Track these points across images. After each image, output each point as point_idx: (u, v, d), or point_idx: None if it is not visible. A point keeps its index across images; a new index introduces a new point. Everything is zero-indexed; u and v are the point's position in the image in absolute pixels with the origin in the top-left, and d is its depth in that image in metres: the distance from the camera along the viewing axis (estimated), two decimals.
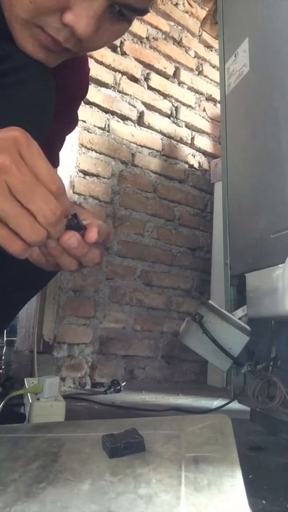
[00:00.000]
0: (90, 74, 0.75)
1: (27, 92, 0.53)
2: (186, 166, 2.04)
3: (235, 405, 0.93)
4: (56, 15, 0.47)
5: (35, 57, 0.51)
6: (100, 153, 1.74)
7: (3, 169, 0.37)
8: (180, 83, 2.07)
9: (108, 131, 1.78)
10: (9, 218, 0.38)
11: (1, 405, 0.78)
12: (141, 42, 1.92)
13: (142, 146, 1.88)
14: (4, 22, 0.49)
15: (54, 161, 0.73)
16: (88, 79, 0.74)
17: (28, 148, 0.39)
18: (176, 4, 2.08)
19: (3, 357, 1.51)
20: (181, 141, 2.04)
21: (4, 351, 1.51)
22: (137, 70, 1.89)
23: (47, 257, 0.49)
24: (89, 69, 0.73)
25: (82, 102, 0.76)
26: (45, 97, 0.56)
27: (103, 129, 1.76)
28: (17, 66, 0.51)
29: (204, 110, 2.16)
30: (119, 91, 1.83)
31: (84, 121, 1.70)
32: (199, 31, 2.14)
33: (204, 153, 2.13)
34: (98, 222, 0.47)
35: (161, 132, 1.96)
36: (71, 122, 0.74)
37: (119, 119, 1.82)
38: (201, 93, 2.15)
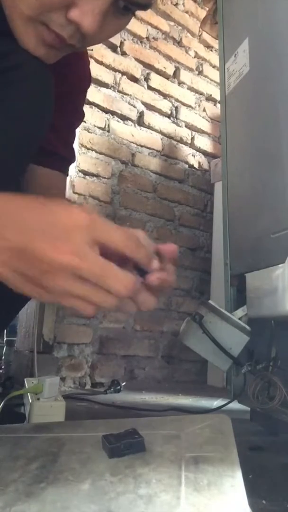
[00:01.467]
0: (90, 81, 0.75)
1: (25, 90, 0.53)
2: (186, 166, 2.04)
3: (235, 405, 0.93)
4: (61, 12, 0.46)
5: (36, 54, 0.51)
6: (100, 153, 1.74)
7: (70, 267, 0.36)
8: (180, 83, 2.07)
9: (108, 131, 1.78)
10: (80, 296, 0.38)
11: (1, 405, 0.78)
12: (141, 42, 1.92)
13: (142, 146, 1.88)
14: (2, 19, 0.49)
15: (70, 157, 0.73)
16: (89, 69, 0.74)
17: (96, 231, 0.37)
18: (176, 4, 2.08)
19: (3, 357, 1.51)
20: (181, 141, 2.04)
21: (4, 351, 1.51)
22: (137, 70, 1.89)
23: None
24: (88, 61, 0.74)
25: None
26: (44, 95, 0.56)
27: (103, 129, 1.76)
28: (15, 63, 0.51)
29: (204, 110, 2.16)
30: (119, 91, 1.83)
31: (84, 121, 1.70)
32: (199, 31, 2.14)
33: (204, 153, 2.13)
34: (167, 267, 0.45)
35: (161, 132, 1.96)
36: (78, 113, 0.74)
37: (119, 119, 1.82)
38: (201, 93, 2.15)
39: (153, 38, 1.97)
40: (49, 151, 0.67)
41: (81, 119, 0.76)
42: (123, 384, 1.47)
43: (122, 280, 0.37)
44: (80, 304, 0.38)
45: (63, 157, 0.71)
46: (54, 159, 0.69)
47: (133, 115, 1.87)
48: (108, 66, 1.79)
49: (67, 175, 0.74)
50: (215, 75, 2.15)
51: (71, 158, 0.74)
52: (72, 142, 0.74)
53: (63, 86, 0.62)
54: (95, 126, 1.73)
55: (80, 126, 1.68)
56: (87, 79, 0.73)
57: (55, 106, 0.60)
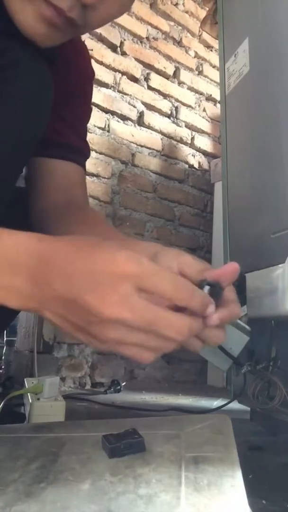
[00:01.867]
0: (94, 72, 0.75)
1: (23, 87, 0.53)
2: (186, 166, 2.04)
3: (235, 405, 0.93)
4: None
5: (35, 33, 0.49)
6: (100, 153, 1.74)
7: (118, 319, 0.34)
8: (180, 83, 2.07)
9: (108, 131, 1.78)
10: (135, 345, 0.36)
11: (1, 405, 0.78)
12: (141, 42, 1.92)
13: (142, 146, 1.88)
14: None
15: (84, 149, 0.71)
16: (91, 64, 0.73)
17: (143, 280, 0.35)
18: (176, 4, 2.08)
19: (3, 357, 1.51)
20: (181, 141, 2.04)
21: (4, 351, 1.51)
22: (137, 70, 1.89)
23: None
24: (89, 56, 0.73)
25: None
26: (42, 92, 0.55)
27: (103, 129, 1.76)
28: (13, 61, 0.51)
29: (204, 110, 2.16)
30: (119, 91, 1.83)
31: None
32: (199, 31, 2.14)
33: (204, 153, 2.13)
34: (228, 296, 0.42)
35: (161, 132, 1.96)
36: (86, 106, 0.73)
37: (119, 119, 1.82)
38: (201, 93, 2.15)
39: (153, 38, 1.97)
40: (61, 143, 0.65)
41: (89, 114, 0.75)
42: (123, 384, 1.47)
43: (176, 326, 0.35)
44: (136, 352, 0.37)
45: (76, 148, 0.68)
46: (67, 150, 0.66)
47: (133, 115, 1.87)
48: (108, 66, 1.79)
49: (84, 169, 0.71)
50: (215, 75, 2.15)
51: (85, 150, 0.71)
52: (85, 135, 0.72)
53: (67, 81, 0.62)
54: (95, 126, 1.73)
55: None
56: (90, 73, 0.73)
57: (61, 101, 0.60)
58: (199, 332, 0.39)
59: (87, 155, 0.72)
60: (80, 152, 0.70)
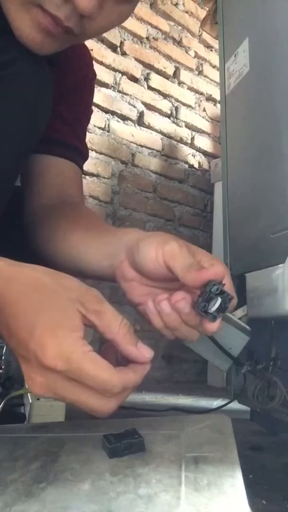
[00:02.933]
0: (95, 73, 0.75)
1: (21, 85, 0.52)
2: (186, 166, 2.04)
3: (235, 405, 0.93)
4: None
5: (31, 42, 0.48)
6: (100, 153, 1.74)
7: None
8: (180, 83, 2.07)
9: (108, 131, 1.78)
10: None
11: (1, 405, 0.78)
12: (141, 42, 1.92)
13: (142, 146, 1.88)
14: None
15: (82, 149, 0.71)
16: (92, 63, 0.73)
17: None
18: (176, 4, 2.08)
19: (3, 357, 1.51)
20: (181, 141, 2.04)
21: (4, 351, 1.51)
22: (137, 70, 1.89)
23: (164, 331, 0.48)
24: (91, 56, 0.73)
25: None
26: (40, 90, 0.55)
27: (103, 129, 1.76)
28: (10, 59, 0.51)
29: (204, 110, 2.16)
30: (119, 91, 1.83)
31: None
32: (199, 31, 2.14)
33: (204, 153, 2.13)
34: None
35: (161, 132, 1.96)
36: (86, 107, 0.73)
37: (119, 119, 1.82)
38: (201, 93, 2.15)
39: (153, 38, 1.97)
40: (59, 140, 0.65)
41: (89, 116, 0.74)
42: None
43: (99, 409, 0.38)
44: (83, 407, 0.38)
45: (74, 147, 0.68)
46: (64, 148, 0.66)
47: (133, 115, 1.87)
48: (108, 66, 1.79)
49: (82, 169, 0.71)
50: (215, 75, 2.15)
51: (83, 150, 0.71)
52: (83, 137, 0.72)
53: (68, 82, 0.62)
54: (95, 126, 1.73)
55: None
56: (91, 74, 0.72)
57: (61, 101, 0.60)
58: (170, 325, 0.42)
59: (84, 156, 0.71)
60: (77, 151, 0.69)
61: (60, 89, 0.60)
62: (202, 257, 0.44)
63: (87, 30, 0.49)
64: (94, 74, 0.74)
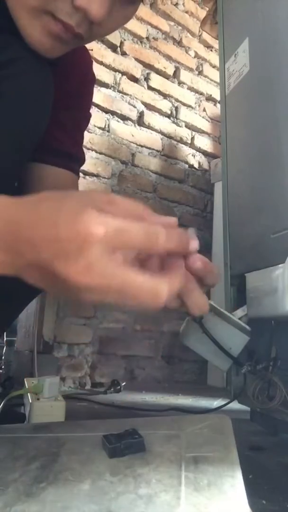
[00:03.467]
0: (95, 77, 0.75)
1: (22, 84, 0.53)
2: (186, 166, 2.04)
3: (235, 405, 0.93)
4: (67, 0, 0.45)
5: (40, 47, 0.50)
6: (100, 153, 1.74)
7: (88, 288, 0.33)
8: (180, 83, 2.07)
9: (108, 131, 1.78)
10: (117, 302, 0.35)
11: (1, 405, 0.78)
12: (141, 42, 1.92)
13: (142, 146, 1.88)
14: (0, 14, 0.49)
15: (79, 156, 0.72)
16: (92, 68, 0.73)
17: (110, 241, 0.33)
18: (176, 4, 2.08)
19: (3, 357, 1.51)
20: (181, 141, 2.04)
21: (4, 351, 1.51)
22: (137, 70, 1.89)
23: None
24: (91, 59, 0.73)
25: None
26: (41, 89, 0.55)
27: (103, 129, 1.76)
28: (12, 58, 0.51)
29: (204, 110, 2.16)
30: (119, 91, 1.83)
31: None
32: (199, 31, 2.14)
33: (204, 153, 2.13)
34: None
35: (161, 132, 1.96)
36: (84, 111, 0.73)
37: (119, 119, 1.82)
38: (201, 93, 2.15)
39: (153, 38, 1.97)
40: (57, 149, 0.66)
41: (88, 120, 0.75)
42: (123, 384, 1.47)
43: (149, 292, 0.34)
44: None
45: (72, 155, 0.69)
46: (63, 157, 0.67)
47: (133, 115, 1.87)
48: (108, 66, 1.79)
49: (78, 176, 0.72)
50: (215, 75, 2.15)
51: (80, 157, 0.72)
52: (81, 142, 0.73)
53: (68, 84, 0.62)
54: (95, 126, 1.73)
55: None
56: (91, 77, 0.73)
57: (60, 104, 0.60)
58: (181, 290, 0.39)
59: (81, 161, 0.72)
60: (75, 159, 0.70)
61: (60, 91, 0.60)
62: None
63: (95, 33, 0.51)
64: (94, 76, 0.74)
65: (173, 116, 2.02)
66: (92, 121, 1.73)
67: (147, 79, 1.94)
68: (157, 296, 0.34)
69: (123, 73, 1.84)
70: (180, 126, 2.04)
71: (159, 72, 1.97)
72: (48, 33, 0.48)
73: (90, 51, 0.72)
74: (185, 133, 2.06)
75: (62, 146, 0.67)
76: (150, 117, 1.92)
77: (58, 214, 0.33)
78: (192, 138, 2.09)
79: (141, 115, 1.90)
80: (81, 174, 1.76)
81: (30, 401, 0.80)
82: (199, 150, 2.11)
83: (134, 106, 1.88)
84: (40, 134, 0.59)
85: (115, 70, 1.81)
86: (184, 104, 2.07)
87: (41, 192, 0.37)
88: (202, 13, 2.04)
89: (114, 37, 1.81)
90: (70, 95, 0.66)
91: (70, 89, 0.66)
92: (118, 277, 0.33)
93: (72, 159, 0.69)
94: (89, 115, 0.74)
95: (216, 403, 1.26)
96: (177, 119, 2.03)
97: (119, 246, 0.34)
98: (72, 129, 0.69)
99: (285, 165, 0.81)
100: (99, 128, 1.75)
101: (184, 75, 2.08)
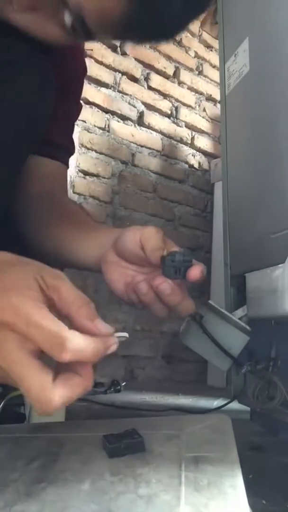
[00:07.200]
0: (89, 74, 0.75)
1: (24, 83, 0.53)
2: (186, 166, 2.05)
3: (235, 405, 0.93)
4: None
5: (54, 43, 0.51)
6: (100, 153, 1.74)
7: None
8: (180, 83, 2.07)
9: (108, 131, 1.78)
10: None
11: (1, 405, 0.78)
12: None
13: (142, 146, 1.88)
14: None
15: (69, 147, 0.73)
16: (84, 59, 0.74)
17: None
18: None
19: None
20: (181, 141, 2.04)
21: None
22: (137, 70, 1.89)
23: (137, 305, 0.50)
24: (83, 50, 0.74)
25: (82, 97, 0.76)
26: (43, 88, 0.55)
27: (103, 129, 1.76)
28: (14, 59, 0.51)
29: (204, 110, 2.16)
30: (119, 91, 1.83)
31: (84, 121, 1.70)
32: (199, 31, 2.14)
33: (204, 153, 2.13)
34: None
35: (161, 132, 1.96)
36: (76, 103, 0.74)
37: (119, 119, 1.82)
38: (201, 93, 2.15)
39: None
40: (49, 141, 0.66)
41: (79, 111, 0.75)
42: (123, 384, 1.47)
43: (35, 398, 0.32)
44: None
45: (64, 147, 0.71)
46: (55, 149, 0.68)
47: (133, 115, 1.87)
48: (108, 66, 1.79)
49: (68, 166, 0.73)
50: (215, 75, 2.15)
51: (71, 149, 0.73)
52: (71, 133, 0.74)
53: (59, 76, 0.62)
54: (95, 126, 1.73)
55: (80, 126, 1.69)
56: (82, 68, 0.73)
57: (56, 95, 0.60)
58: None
59: (72, 153, 0.74)
60: (65, 150, 0.72)
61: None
62: (171, 247, 0.50)
63: None
64: (85, 70, 0.74)
65: (173, 116, 2.02)
66: (92, 121, 1.73)
67: (147, 79, 1.94)
68: (43, 401, 0.32)
69: (123, 73, 1.84)
70: (180, 126, 2.04)
71: (159, 72, 1.97)
72: (64, 31, 0.49)
73: (90, 51, 0.72)
74: (185, 133, 2.06)
75: (53, 138, 0.67)
76: (150, 117, 1.92)
77: None
78: (192, 138, 2.09)
79: (141, 115, 1.90)
80: (81, 174, 1.76)
81: None
82: (199, 150, 2.11)
83: (134, 106, 1.88)
84: (41, 135, 0.59)
85: (115, 70, 1.81)
86: (184, 104, 2.07)
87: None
88: None
89: None
90: (62, 86, 0.66)
91: (63, 80, 0.66)
92: (17, 366, 0.32)
93: (63, 150, 0.71)
94: (80, 106, 0.75)
95: (216, 403, 1.26)
96: (177, 119, 2.03)
97: (27, 339, 0.33)
98: (64, 120, 0.70)
99: (285, 165, 0.81)
100: (99, 128, 1.75)
101: (184, 75, 2.08)
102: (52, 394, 0.32)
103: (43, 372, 0.32)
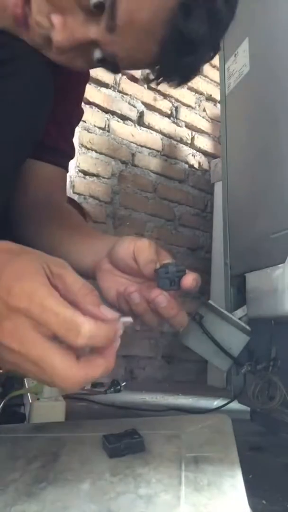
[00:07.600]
0: (90, 74, 0.75)
1: (22, 82, 0.52)
2: (186, 166, 2.05)
3: (235, 405, 0.93)
4: None
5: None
6: (100, 153, 1.74)
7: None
8: None
9: (108, 131, 1.78)
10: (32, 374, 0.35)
11: (1, 405, 0.78)
12: None
13: (142, 146, 1.88)
14: None
15: (69, 151, 0.73)
16: None
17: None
18: None
19: None
20: (181, 141, 2.04)
21: None
22: (137, 70, 1.89)
23: (128, 314, 0.49)
24: None
25: (84, 97, 0.76)
26: (42, 87, 0.55)
27: (103, 129, 1.76)
28: (13, 56, 0.51)
29: (204, 110, 2.16)
30: (119, 91, 1.83)
31: (84, 121, 1.70)
32: None
33: (204, 153, 2.13)
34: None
35: (161, 132, 1.96)
36: (78, 108, 0.74)
37: (119, 119, 1.82)
38: (201, 93, 2.15)
39: None
40: (49, 146, 0.66)
41: (80, 116, 0.75)
42: (123, 384, 1.47)
43: (62, 377, 0.33)
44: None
45: (64, 152, 0.70)
46: (55, 154, 0.68)
47: (133, 115, 1.87)
48: None
49: (67, 170, 0.73)
50: (215, 75, 2.15)
51: (71, 153, 0.73)
52: (72, 137, 0.73)
53: (62, 79, 0.62)
54: (95, 126, 1.73)
55: (80, 126, 1.68)
56: (85, 73, 0.73)
57: (55, 100, 0.60)
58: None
59: (72, 157, 0.74)
60: (65, 155, 0.72)
61: (55, 86, 0.60)
62: (164, 259, 0.50)
63: None
64: (88, 73, 0.74)
65: (173, 116, 2.02)
66: (92, 121, 1.73)
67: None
68: (71, 380, 0.34)
69: (123, 73, 1.84)
70: (180, 126, 2.04)
71: None
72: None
73: None
74: (185, 133, 2.06)
75: (53, 143, 0.67)
76: (150, 117, 1.92)
77: (3, 272, 0.35)
78: (192, 138, 2.09)
79: (141, 115, 1.90)
80: (81, 174, 1.76)
81: (30, 401, 0.80)
82: (199, 150, 2.11)
83: (134, 106, 1.88)
84: (40, 134, 0.59)
85: None
86: (184, 104, 2.07)
87: (3, 241, 0.39)
88: None
89: None
90: (64, 90, 0.66)
91: (65, 84, 0.66)
92: (37, 349, 0.33)
93: (62, 155, 0.70)
94: (82, 111, 0.75)
95: (216, 403, 1.26)
96: (177, 119, 2.03)
97: (41, 324, 0.34)
98: (65, 125, 0.70)
99: (285, 165, 0.81)
100: (99, 128, 1.75)
101: None
102: (78, 371, 0.33)
103: (66, 352, 0.34)
